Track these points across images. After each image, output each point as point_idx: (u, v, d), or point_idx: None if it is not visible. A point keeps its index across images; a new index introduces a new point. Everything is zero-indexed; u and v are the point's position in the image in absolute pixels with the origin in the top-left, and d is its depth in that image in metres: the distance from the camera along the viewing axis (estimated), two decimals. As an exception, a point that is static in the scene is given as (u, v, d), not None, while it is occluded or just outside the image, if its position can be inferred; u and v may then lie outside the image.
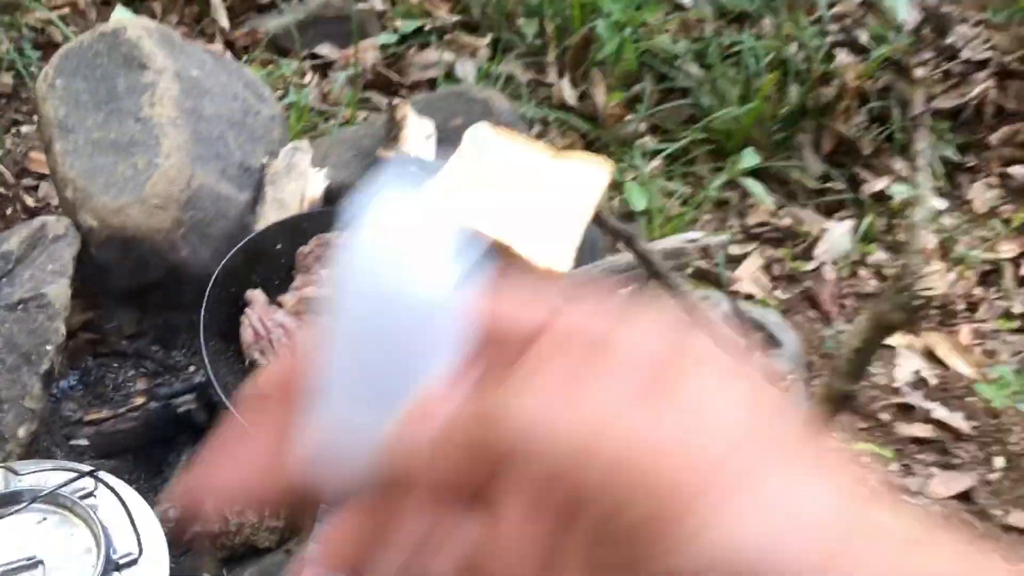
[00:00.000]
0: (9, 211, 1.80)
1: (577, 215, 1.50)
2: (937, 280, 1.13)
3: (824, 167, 2.44)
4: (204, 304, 1.20)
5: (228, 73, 1.74)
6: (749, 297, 2.04)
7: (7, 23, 2.17)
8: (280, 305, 1.30)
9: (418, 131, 1.67)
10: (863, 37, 2.76)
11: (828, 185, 2.43)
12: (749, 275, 2.16)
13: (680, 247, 1.65)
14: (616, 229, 1.53)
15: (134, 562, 1.11)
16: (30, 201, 1.82)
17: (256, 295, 1.26)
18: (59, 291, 1.29)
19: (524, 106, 2.37)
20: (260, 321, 1.23)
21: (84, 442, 1.33)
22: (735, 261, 2.22)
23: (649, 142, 2.41)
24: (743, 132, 2.43)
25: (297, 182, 1.60)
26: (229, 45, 2.53)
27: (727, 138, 2.45)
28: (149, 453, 1.37)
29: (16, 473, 1.08)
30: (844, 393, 1.16)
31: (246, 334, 1.22)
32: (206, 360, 1.15)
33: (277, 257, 1.34)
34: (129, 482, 1.30)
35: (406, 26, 2.58)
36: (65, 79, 1.54)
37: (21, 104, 2.11)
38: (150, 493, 1.30)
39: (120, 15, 2.27)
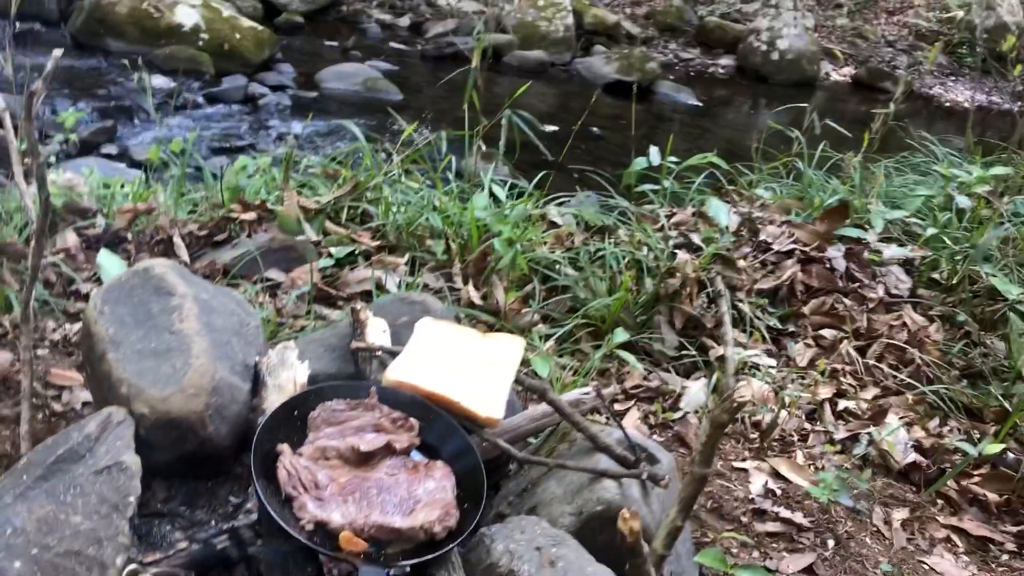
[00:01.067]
0: (41, 416, 2.22)
1: (504, 377, 2.07)
2: (745, 390, 1.69)
3: (678, 339, 3.11)
4: (252, 452, 1.68)
5: (225, 295, 2.28)
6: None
7: (14, 268, 2.65)
8: (301, 455, 1.79)
9: (376, 328, 2.22)
10: (696, 239, 3.54)
11: (683, 353, 3.08)
12: (632, 424, 2.74)
13: (579, 398, 2.22)
14: (532, 386, 2.10)
15: None
16: (57, 407, 2.25)
17: (284, 447, 1.75)
18: (132, 458, 1.74)
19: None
20: (291, 464, 1.72)
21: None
22: (620, 415, 2.81)
23: (542, 328, 3.04)
24: (613, 316, 3.09)
25: (288, 371, 2.11)
26: (189, 275, 3.05)
27: (602, 321, 3.11)
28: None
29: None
30: (701, 476, 1.71)
31: (282, 474, 1.70)
32: (257, 489, 1.62)
33: (294, 422, 1.83)
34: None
35: (339, 252, 3.19)
36: (111, 306, 2.04)
37: (33, 333, 2.55)
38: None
39: (104, 259, 2.79)
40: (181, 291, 2.09)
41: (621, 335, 2.92)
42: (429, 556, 1.66)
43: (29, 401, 2.07)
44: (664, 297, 3.18)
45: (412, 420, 1.91)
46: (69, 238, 2.89)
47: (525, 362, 2.77)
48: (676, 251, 3.39)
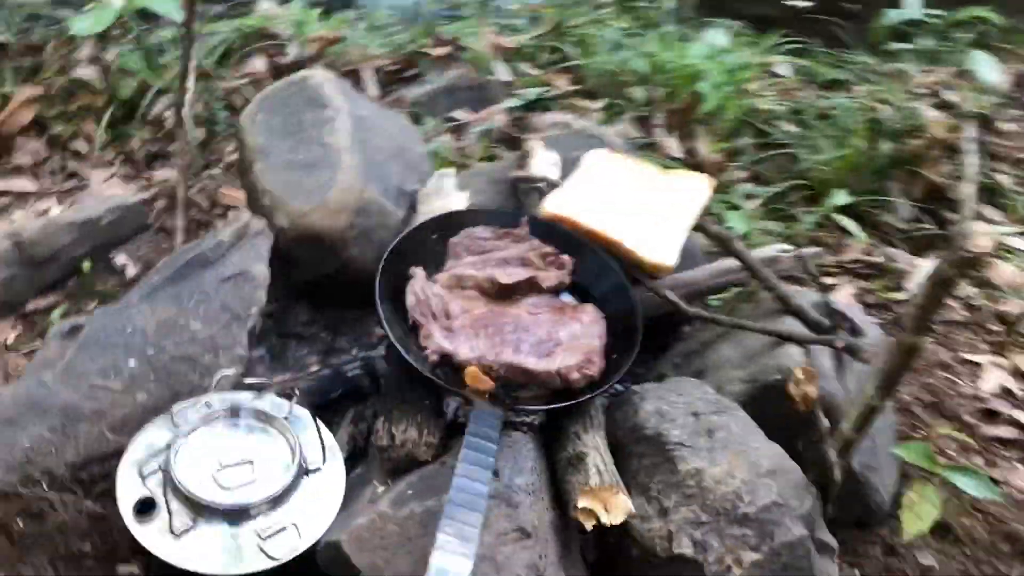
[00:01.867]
0: (203, 233, 2.17)
1: (681, 220, 1.76)
2: (985, 241, 1.29)
3: (914, 210, 2.63)
4: (379, 271, 1.50)
5: (388, 117, 2.10)
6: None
7: (202, 89, 2.61)
8: (436, 281, 1.59)
9: (545, 159, 1.97)
10: (953, 97, 2.97)
11: (918, 227, 2.61)
12: (843, 301, 2.34)
13: (774, 256, 1.88)
14: (718, 234, 1.78)
15: (318, 470, 1.40)
16: (221, 225, 2.20)
17: (418, 271, 1.56)
18: (261, 269, 1.62)
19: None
20: (421, 290, 1.52)
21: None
22: (827, 288, 2.42)
23: (748, 187, 2.66)
24: (838, 180, 2.65)
25: (443, 200, 1.91)
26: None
27: (822, 186, 2.68)
28: (322, 414, 1.65)
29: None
30: (910, 345, 1.36)
31: (410, 299, 1.52)
32: (380, 311, 1.45)
33: (432, 245, 1.64)
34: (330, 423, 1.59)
35: (530, 93, 2.93)
36: (264, 115, 1.92)
37: (211, 153, 2.53)
38: (386, 415, 1.57)
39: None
40: (336, 104, 1.93)
41: (842, 196, 2.49)
42: (559, 405, 1.43)
43: (184, 208, 2.01)
44: (903, 160, 2.69)
45: (564, 257, 1.66)
46: (257, 63, 2.82)
47: (719, 218, 2.43)
48: (925, 110, 2.85)
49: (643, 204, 1.79)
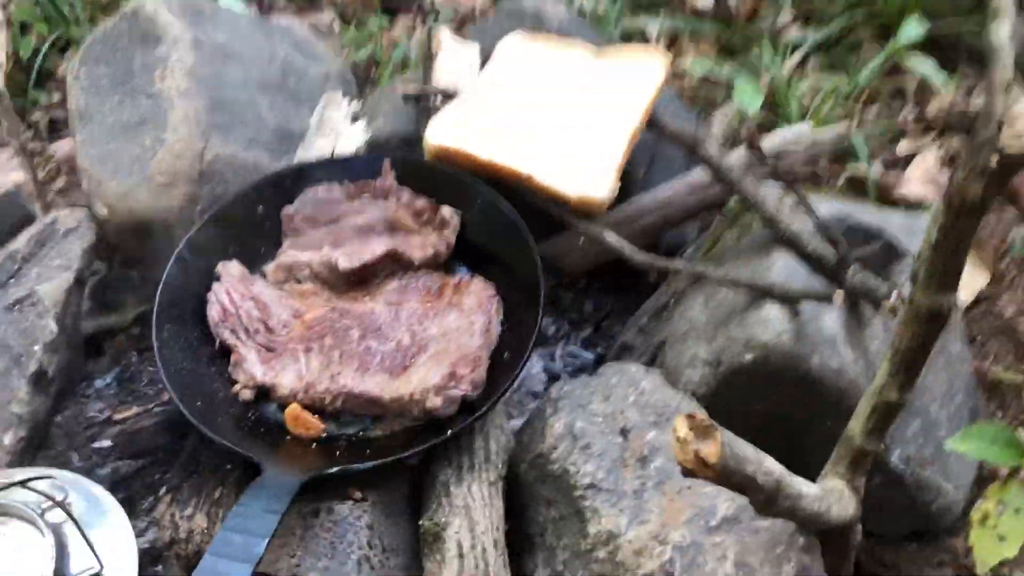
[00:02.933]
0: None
1: (621, 125, 1.23)
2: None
3: (1029, 26, 1.92)
4: (160, 286, 1.07)
5: (268, 35, 1.62)
6: (914, 205, 1.63)
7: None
8: (264, 276, 1.15)
9: (458, 59, 1.45)
10: None
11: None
12: (921, 174, 1.73)
13: (777, 149, 1.31)
14: (675, 133, 1.23)
15: (95, 576, 1.01)
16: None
17: (229, 267, 1.12)
18: (52, 288, 1.23)
19: (653, 21, 2.06)
20: (228, 296, 1.09)
21: (107, 443, 1.25)
22: (905, 161, 1.80)
23: (794, 34, 2.02)
24: (916, 3, 1.96)
25: (328, 138, 1.44)
26: (342, 16, 2.43)
27: (896, 15, 2.00)
28: (180, 452, 1.27)
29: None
30: (932, 309, 0.82)
31: (212, 312, 1.09)
32: (155, 348, 1.03)
33: (261, 222, 1.19)
34: (156, 484, 1.22)
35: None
36: (89, 66, 1.49)
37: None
38: (172, 494, 1.21)
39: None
40: (174, 34, 1.47)
41: (914, 28, 1.83)
42: (399, 456, 0.98)
43: (40, 193, 1.63)
44: (1007, -40, 1.96)
45: (445, 211, 1.17)
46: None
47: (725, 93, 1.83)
48: None
49: (567, 109, 1.26)
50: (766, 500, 0.77)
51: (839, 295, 0.99)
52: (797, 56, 1.95)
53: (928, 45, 1.90)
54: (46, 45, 2.15)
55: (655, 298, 1.29)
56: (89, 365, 1.38)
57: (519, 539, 1.03)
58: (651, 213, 1.32)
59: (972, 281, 1.48)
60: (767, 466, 0.76)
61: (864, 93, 1.86)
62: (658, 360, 1.16)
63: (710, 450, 0.67)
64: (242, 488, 1.00)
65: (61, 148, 2.00)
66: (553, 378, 1.32)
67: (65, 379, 1.25)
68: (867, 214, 1.16)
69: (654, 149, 1.42)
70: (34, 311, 1.20)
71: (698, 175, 1.33)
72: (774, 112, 1.82)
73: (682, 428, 0.67)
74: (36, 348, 1.18)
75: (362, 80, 2.03)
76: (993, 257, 1.52)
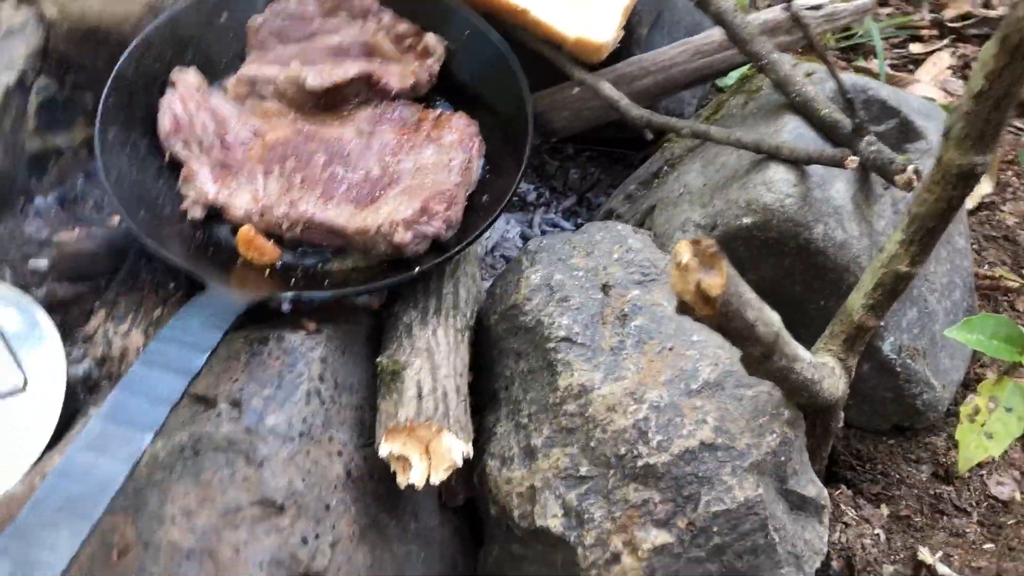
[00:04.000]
0: None
1: (630, -33, 1.12)
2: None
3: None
4: (109, 83, 0.96)
5: None
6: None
7: None
8: (223, 90, 1.04)
9: None
10: None
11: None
12: (932, 76, 1.64)
13: (792, 17, 1.21)
14: (688, -14, 1.12)
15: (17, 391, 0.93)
16: None
17: (185, 75, 1.01)
18: (-10, 84, 1.10)
19: None
20: (183, 105, 0.98)
21: (44, 264, 1.15)
22: (916, 63, 1.71)
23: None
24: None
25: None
26: None
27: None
28: (127, 282, 1.17)
29: None
30: (964, 169, 0.74)
31: (164, 121, 0.98)
32: (97, 151, 0.92)
33: (225, 31, 1.07)
34: (95, 310, 1.13)
35: None
36: None
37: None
38: (108, 309, 1.12)
39: None
40: None
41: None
42: (358, 289, 0.89)
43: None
44: None
45: (430, 38, 1.07)
46: None
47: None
48: None
49: (571, -55, 1.15)
50: (762, 354, 0.70)
51: (853, 160, 0.91)
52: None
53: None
54: None
55: (646, 166, 1.20)
56: (31, 184, 1.27)
57: (482, 395, 0.96)
58: (651, 75, 1.21)
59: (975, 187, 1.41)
60: (767, 316, 0.68)
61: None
62: (646, 225, 1.07)
63: (714, 281, 0.59)
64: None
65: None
66: (529, 245, 1.23)
67: (2, 190, 1.14)
68: (885, 90, 1.07)
69: (660, 6, 1.32)
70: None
71: (704, 39, 1.23)
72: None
73: (685, 253, 0.59)
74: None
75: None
76: (997, 165, 1.45)
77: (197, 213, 0.95)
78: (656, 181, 1.14)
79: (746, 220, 0.93)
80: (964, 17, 1.78)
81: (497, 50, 1.04)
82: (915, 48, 1.72)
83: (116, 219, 1.24)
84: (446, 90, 1.08)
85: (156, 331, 0.90)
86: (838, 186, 0.95)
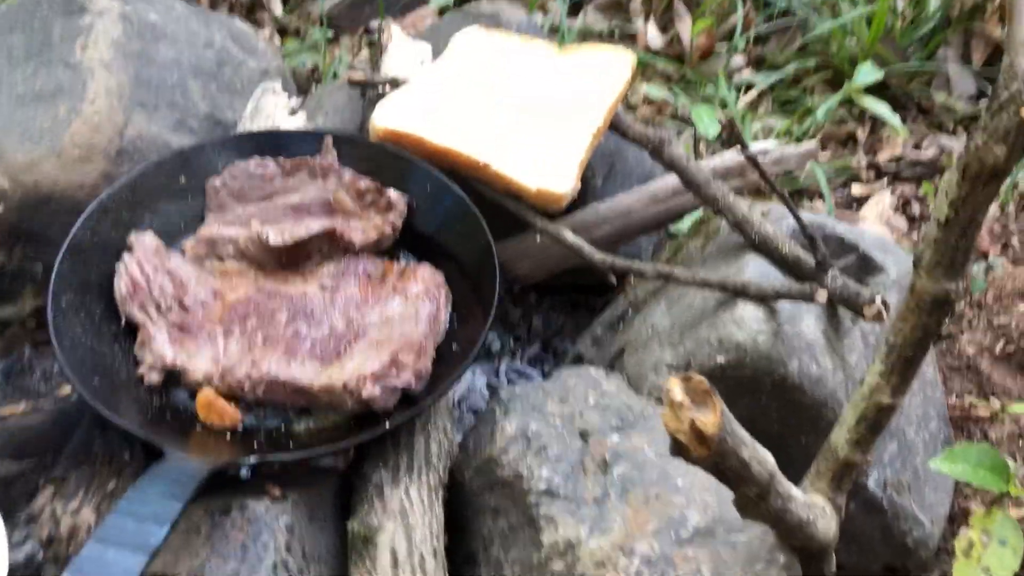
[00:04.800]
0: None
1: (585, 121, 1.15)
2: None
3: (976, 84, 1.94)
4: (63, 249, 0.94)
5: (206, 23, 1.51)
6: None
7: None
8: (181, 252, 1.02)
9: (409, 54, 1.37)
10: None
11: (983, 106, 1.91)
12: (877, 214, 1.70)
13: (742, 162, 1.25)
14: (640, 135, 1.15)
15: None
16: None
17: (143, 238, 0.99)
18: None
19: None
20: (139, 268, 0.95)
21: (-14, 439, 1.09)
22: (859, 203, 1.77)
23: (747, 75, 2.00)
24: (866, 53, 1.96)
25: (261, 122, 1.33)
26: (282, 32, 2.34)
27: (849, 63, 2.00)
28: (77, 456, 1.10)
29: None
30: (938, 297, 0.74)
31: (120, 285, 0.95)
32: (49, 318, 0.89)
33: (183, 194, 1.06)
34: (42, 488, 1.07)
35: (463, -15, 2.30)
36: (2, 36, 1.35)
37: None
38: (55, 486, 1.05)
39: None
40: (100, 5, 1.35)
41: (869, 71, 1.82)
42: (325, 449, 0.85)
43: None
44: (958, 18, 1.99)
45: (392, 194, 1.07)
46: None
47: (686, 119, 1.80)
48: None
49: (528, 102, 1.18)
50: (757, 495, 0.67)
51: (823, 292, 0.91)
52: (752, 93, 1.92)
53: (878, 93, 1.90)
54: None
55: (611, 310, 1.19)
56: (-26, 357, 1.22)
57: (459, 557, 0.91)
58: (609, 222, 1.23)
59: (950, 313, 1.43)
60: (761, 454, 0.66)
61: (818, 133, 1.83)
62: (616, 368, 1.06)
63: (708, 419, 0.57)
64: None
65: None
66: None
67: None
68: (840, 226, 1.10)
69: (612, 158, 1.35)
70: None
71: (660, 185, 1.25)
72: (729, 145, 1.78)
73: (677, 391, 0.57)
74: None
75: (303, 88, 1.93)
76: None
77: (154, 378, 0.91)
78: (622, 324, 1.14)
79: (720, 359, 0.92)
80: (897, 159, 1.86)
81: (460, 202, 1.04)
82: (856, 189, 1.78)
83: (66, 390, 1.19)
84: (409, 243, 1.08)
85: (110, 505, 0.84)
86: (808, 321, 0.95)
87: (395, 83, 1.26)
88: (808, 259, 0.99)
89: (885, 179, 1.81)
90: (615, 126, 1.19)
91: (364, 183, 1.07)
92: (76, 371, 0.86)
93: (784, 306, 0.95)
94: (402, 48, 1.37)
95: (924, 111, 1.97)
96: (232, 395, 0.90)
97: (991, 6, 1.96)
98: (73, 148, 1.20)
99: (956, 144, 1.89)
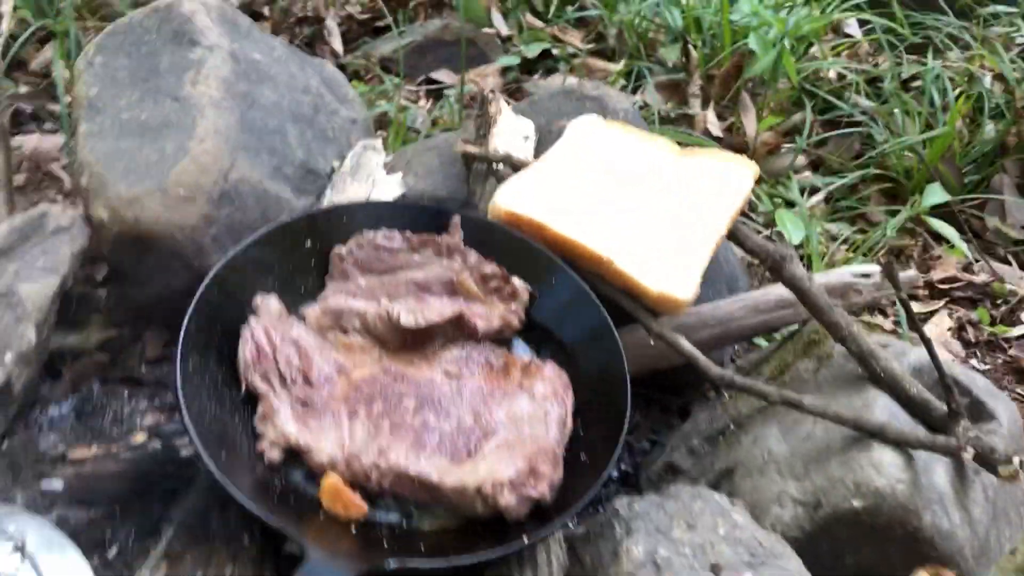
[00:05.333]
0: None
1: (708, 227, 1.14)
2: None
3: (1031, 213, 1.97)
4: (192, 307, 0.90)
5: (302, 65, 1.49)
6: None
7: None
8: (303, 319, 0.99)
9: (513, 129, 1.35)
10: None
11: (1036, 235, 1.95)
12: (936, 336, 1.70)
13: (848, 282, 1.25)
14: (760, 249, 1.15)
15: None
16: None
17: (267, 302, 0.95)
18: (36, 290, 1.03)
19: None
20: (266, 335, 0.92)
21: (58, 485, 1.04)
22: (920, 320, 1.77)
23: (810, 177, 2.02)
24: (926, 171, 1.99)
25: (363, 184, 1.31)
26: (341, 69, 2.32)
27: (907, 176, 2.02)
28: (141, 506, 1.06)
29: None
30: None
31: (245, 351, 0.91)
32: (178, 382, 0.84)
33: (304, 259, 1.03)
34: (110, 542, 1.02)
35: (531, 49, 2.31)
36: (106, 56, 1.32)
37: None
38: (131, 555, 1.00)
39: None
40: (211, 40, 1.33)
41: (937, 194, 1.84)
42: (471, 558, 0.81)
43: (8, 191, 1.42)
44: (1015, 147, 2.03)
45: (517, 282, 1.05)
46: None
47: (767, 218, 1.80)
48: (1043, 79, 2.18)
49: (650, 201, 1.17)
50: None
51: (969, 451, 0.90)
52: (819, 196, 1.94)
53: (935, 211, 1.92)
54: (26, 33, 1.95)
55: (707, 420, 1.17)
56: (43, 389, 1.17)
57: None
58: (708, 327, 1.22)
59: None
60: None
61: (882, 249, 1.85)
62: (723, 488, 1.04)
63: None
64: (258, 569, 0.82)
65: (28, 142, 1.80)
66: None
67: (27, 399, 1.05)
68: (956, 368, 1.09)
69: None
70: (12, 313, 1.00)
71: (762, 295, 1.25)
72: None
73: (927, 584, 0.55)
74: (7, 356, 0.97)
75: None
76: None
77: (275, 455, 0.87)
78: (723, 439, 1.12)
79: (856, 503, 0.91)
80: (951, 280, 1.88)
81: (586, 299, 1.02)
82: (915, 307, 1.79)
83: (140, 437, 1.15)
84: (524, 332, 1.05)
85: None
86: (939, 471, 0.94)
87: (509, 161, 1.24)
88: (938, 405, 0.98)
89: (942, 301, 1.83)
90: (733, 236, 1.18)
91: (490, 268, 1.04)
92: (204, 442, 0.81)
93: (919, 454, 0.93)
94: (509, 122, 1.35)
95: (976, 235, 2.00)
96: (354, 483, 0.87)
97: (1052, 140, 1.99)
98: (178, 187, 1.17)
99: (1007, 271, 1.91)
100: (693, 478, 1.09)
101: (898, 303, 1.64)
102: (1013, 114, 2.07)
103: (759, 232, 1.75)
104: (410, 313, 0.96)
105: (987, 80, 2.25)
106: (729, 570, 0.86)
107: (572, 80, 2.15)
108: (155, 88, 1.27)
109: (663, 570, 0.85)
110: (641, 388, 1.37)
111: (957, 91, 2.15)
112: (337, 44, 2.41)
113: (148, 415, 1.20)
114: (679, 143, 1.30)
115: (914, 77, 2.31)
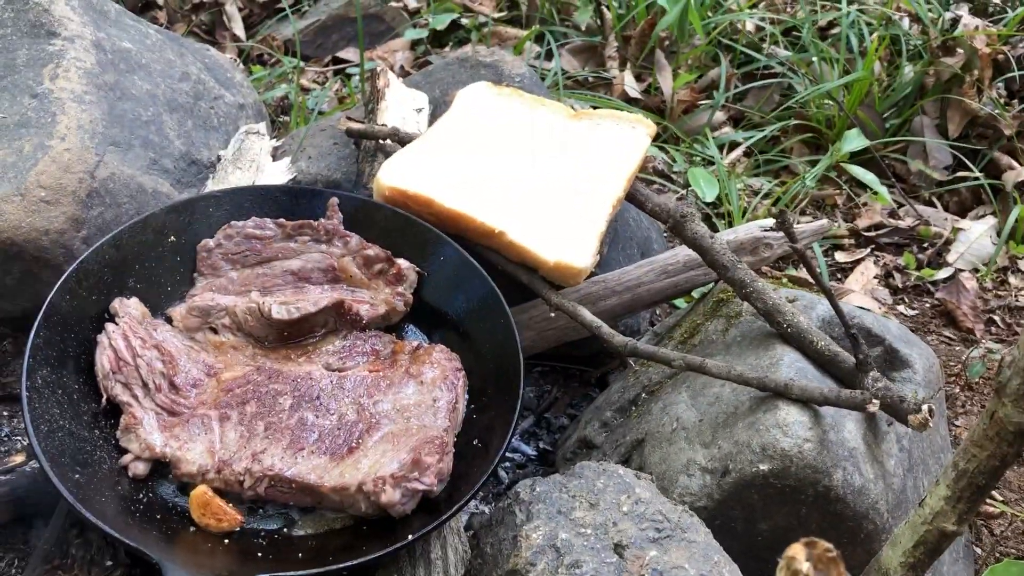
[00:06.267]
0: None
1: (603, 192, 1.08)
2: None
3: (952, 154, 1.95)
4: (39, 319, 0.82)
5: (180, 51, 1.41)
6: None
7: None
8: (169, 320, 0.92)
9: (405, 102, 1.29)
10: None
11: (958, 176, 1.93)
12: (862, 285, 1.68)
13: (757, 236, 1.20)
14: (661, 209, 1.10)
15: None
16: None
17: (128, 305, 0.88)
18: None
19: (580, 102, 1.97)
20: (125, 340, 0.85)
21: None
22: (842, 271, 1.75)
23: (729, 132, 1.97)
24: (846, 118, 1.96)
25: (246, 172, 1.24)
26: (242, 54, 2.23)
27: (828, 126, 1.99)
28: (14, 533, 0.99)
29: None
30: (1022, 426, 0.70)
31: (102, 359, 0.84)
32: (24, 399, 0.77)
33: (172, 254, 0.96)
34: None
35: (438, 20, 2.23)
36: (-43, 54, 1.23)
37: None
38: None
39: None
40: (72, 30, 1.24)
41: (855, 140, 1.81)
42: (347, 565, 0.75)
43: None
44: (933, 88, 2.00)
45: (401, 264, 0.98)
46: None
47: (684, 178, 1.76)
48: (957, 17, 2.15)
49: (542, 169, 1.11)
50: None
51: (874, 404, 0.86)
52: (737, 152, 1.90)
53: (856, 159, 1.89)
54: None
55: (619, 390, 1.13)
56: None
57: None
58: (617, 295, 1.17)
59: None
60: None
61: (804, 200, 1.81)
62: (634, 462, 0.99)
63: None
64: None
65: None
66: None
67: None
68: (868, 317, 1.05)
69: (614, 223, 1.29)
70: None
71: (669, 258, 1.20)
72: (714, 206, 1.74)
73: (801, 559, 0.50)
74: None
75: (272, 121, 1.84)
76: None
77: (140, 470, 0.81)
78: (634, 409, 1.07)
79: (763, 467, 0.86)
80: (877, 227, 1.85)
81: (476, 277, 0.97)
82: (840, 256, 1.76)
83: (17, 459, 1.07)
84: (413, 315, 1.00)
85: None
86: (850, 427, 0.90)
87: (396, 135, 1.18)
88: (847, 357, 0.94)
89: (868, 249, 1.80)
90: (632, 197, 1.13)
91: (373, 251, 0.98)
92: (54, 464, 0.75)
93: (826, 410, 0.89)
94: (399, 97, 1.29)
95: (900, 178, 1.98)
96: (227, 492, 0.81)
97: (968, 78, 1.97)
98: (39, 189, 1.09)
99: (931, 213, 1.89)
100: (605, 453, 1.04)
101: (817, 253, 1.61)
102: (930, 54, 2.04)
103: (677, 193, 1.70)
104: (282, 305, 0.90)
105: (905, 23, 2.22)
106: (633, 548, 0.81)
107: (485, 50, 2.08)
108: (11, 85, 1.18)
109: (564, 554, 0.80)
110: (558, 362, 1.34)
111: (874, 35, 2.12)
112: (238, 29, 2.32)
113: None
114: (593, 107, 1.24)
115: (832, 24, 2.28)
